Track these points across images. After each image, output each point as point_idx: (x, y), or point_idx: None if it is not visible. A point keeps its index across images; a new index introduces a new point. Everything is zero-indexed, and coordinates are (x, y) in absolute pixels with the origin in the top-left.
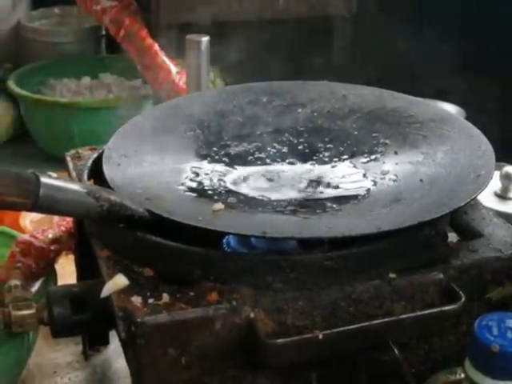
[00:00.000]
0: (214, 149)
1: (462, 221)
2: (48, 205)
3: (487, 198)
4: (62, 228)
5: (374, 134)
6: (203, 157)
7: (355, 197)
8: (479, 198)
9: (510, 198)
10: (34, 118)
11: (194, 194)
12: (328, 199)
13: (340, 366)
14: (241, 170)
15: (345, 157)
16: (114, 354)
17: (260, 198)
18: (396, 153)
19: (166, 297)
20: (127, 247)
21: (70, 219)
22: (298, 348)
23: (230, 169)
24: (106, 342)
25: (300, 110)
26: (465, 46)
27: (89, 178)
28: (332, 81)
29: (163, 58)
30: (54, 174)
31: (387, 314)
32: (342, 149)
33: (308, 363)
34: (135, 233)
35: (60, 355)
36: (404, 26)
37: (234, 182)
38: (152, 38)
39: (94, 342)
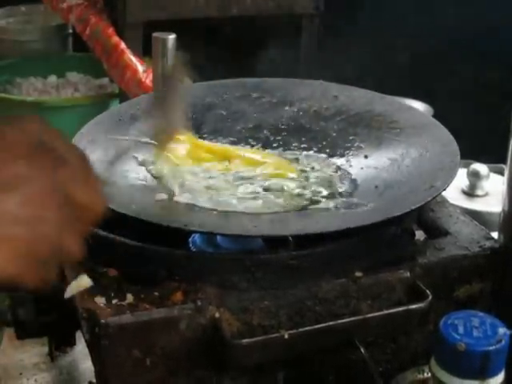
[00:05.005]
0: None
1: (428, 219)
2: None
3: (454, 195)
4: None
5: (351, 137)
6: None
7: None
8: (446, 195)
9: (477, 196)
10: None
11: (144, 183)
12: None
13: (307, 366)
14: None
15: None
16: (81, 354)
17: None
18: (366, 157)
19: (130, 297)
20: (90, 247)
21: None
22: (263, 348)
23: None
24: (72, 342)
25: (287, 108)
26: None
27: None
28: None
29: (130, 56)
30: None
31: (353, 312)
32: (315, 149)
33: (274, 363)
34: (97, 232)
35: (26, 356)
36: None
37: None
38: (119, 37)
39: (61, 343)
